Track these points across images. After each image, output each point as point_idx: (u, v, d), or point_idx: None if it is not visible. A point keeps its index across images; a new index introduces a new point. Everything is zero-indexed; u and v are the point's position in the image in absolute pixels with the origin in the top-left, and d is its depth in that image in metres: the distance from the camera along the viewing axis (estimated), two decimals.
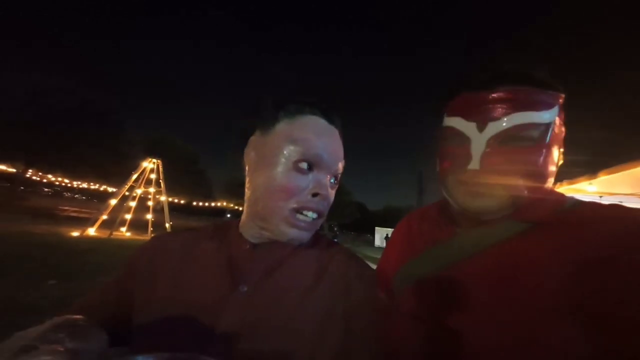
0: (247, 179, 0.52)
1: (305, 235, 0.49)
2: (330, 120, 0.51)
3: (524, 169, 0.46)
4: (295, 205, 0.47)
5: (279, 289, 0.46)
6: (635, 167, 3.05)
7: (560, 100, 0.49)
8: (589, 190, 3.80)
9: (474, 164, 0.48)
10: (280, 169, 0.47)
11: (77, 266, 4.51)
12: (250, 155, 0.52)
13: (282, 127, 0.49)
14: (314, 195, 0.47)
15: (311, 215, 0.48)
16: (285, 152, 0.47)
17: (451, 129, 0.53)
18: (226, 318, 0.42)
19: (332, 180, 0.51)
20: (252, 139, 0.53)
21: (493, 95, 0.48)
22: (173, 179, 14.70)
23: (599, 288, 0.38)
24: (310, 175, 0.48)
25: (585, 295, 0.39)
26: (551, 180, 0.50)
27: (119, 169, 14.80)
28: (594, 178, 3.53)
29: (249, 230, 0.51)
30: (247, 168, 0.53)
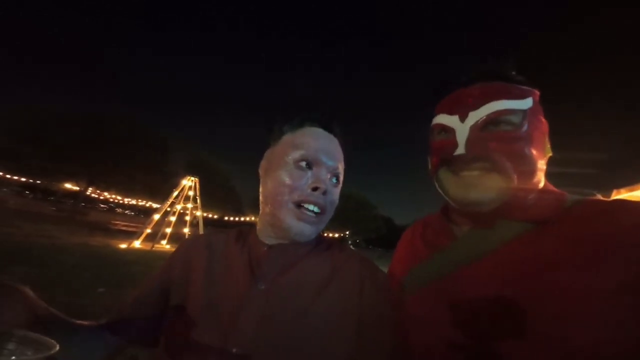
0: (260, 188, 0.58)
1: (309, 229, 0.53)
2: (329, 130, 0.58)
3: (507, 151, 0.49)
4: (297, 199, 0.51)
5: (292, 286, 0.49)
6: None
7: (535, 96, 0.52)
8: None
9: (460, 150, 0.52)
10: (284, 169, 0.53)
11: (122, 276, 4.93)
12: (263, 166, 0.59)
13: (287, 137, 0.57)
14: (314, 189, 0.52)
15: (312, 207, 0.52)
16: (288, 155, 0.53)
17: (437, 125, 0.57)
18: (246, 312, 0.46)
19: (333, 180, 0.56)
20: (266, 153, 0.60)
21: (470, 90, 0.53)
22: (207, 196, 15.68)
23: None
24: (310, 172, 0.53)
25: (629, 288, 0.35)
26: (539, 170, 0.50)
27: (162, 187, 16.17)
28: None
29: (264, 233, 0.57)
30: (261, 178, 0.59)
